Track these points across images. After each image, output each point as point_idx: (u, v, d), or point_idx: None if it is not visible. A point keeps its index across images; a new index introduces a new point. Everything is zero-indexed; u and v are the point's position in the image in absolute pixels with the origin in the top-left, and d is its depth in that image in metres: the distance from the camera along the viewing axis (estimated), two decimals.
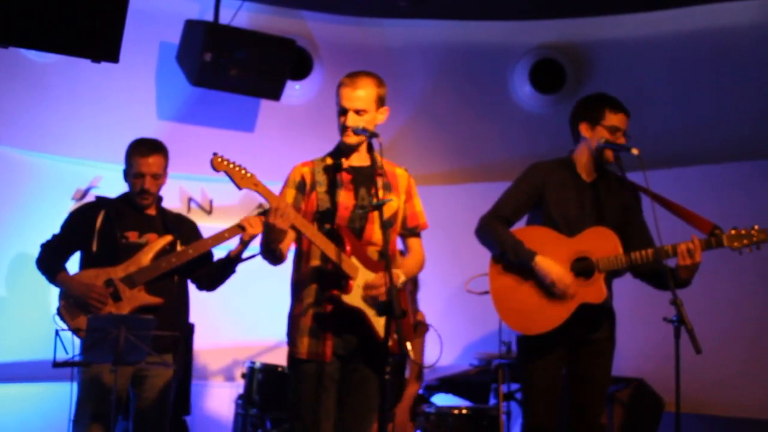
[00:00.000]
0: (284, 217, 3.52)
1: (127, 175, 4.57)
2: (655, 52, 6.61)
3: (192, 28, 6.04)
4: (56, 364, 4.17)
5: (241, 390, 5.71)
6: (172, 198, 6.42)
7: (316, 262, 3.70)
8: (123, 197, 4.63)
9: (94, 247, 4.47)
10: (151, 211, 4.61)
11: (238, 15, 6.16)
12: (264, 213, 4.56)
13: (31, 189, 5.97)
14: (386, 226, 3.71)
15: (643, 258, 4.18)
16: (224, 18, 6.13)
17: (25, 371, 5.74)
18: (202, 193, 6.51)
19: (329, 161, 3.79)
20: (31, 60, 5.85)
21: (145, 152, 4.52)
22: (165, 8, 6.14)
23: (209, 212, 6.44)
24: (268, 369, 5.56)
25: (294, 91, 6.58)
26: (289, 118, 6.53)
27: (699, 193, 5.83)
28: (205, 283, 4.67)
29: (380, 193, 3.72)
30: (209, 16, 6.11)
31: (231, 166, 3.56)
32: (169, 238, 4.52)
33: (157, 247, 4.47)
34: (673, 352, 4.06)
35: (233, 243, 4.57)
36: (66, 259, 4.56)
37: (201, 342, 5.90)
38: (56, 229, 4.61)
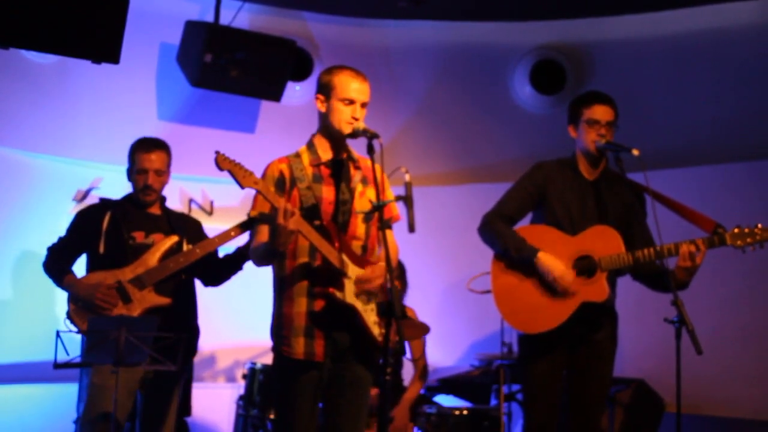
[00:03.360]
0: (293, 218, 3.48)
1: (131, 173, 4.59)
2: (655, 52, 6.61)
3: (192, 29, 6.03)
4: (57, 365, 4.17)
5: (242, 391, 5.71)
6: (172, 199, 6.38)
7: (303, 258, 3.67)
8: (127, 198, 4.65)
9: (101, 249, 4.47)
10: (156, 210, 4.62)
11: (238, 16, 6.16)
12: (244, 226, 4.55)
13: (31, 190, 5.96)
14: (367, 219, 3.74)
15: (645, 257, 4.17)
16: (225, 19, 6.12)
17: (26, 372, 5.74)
18: (202, 194, 6.51)
19: (306, 156, 3.75)
20: (32, 61, 5.85)
21: (147, 149, 4.55)
22: (165, 9, 6.14)
23: (210, 213, 6.44)
24: (269, 370, 5.55)
25: (294, 92, 6.57)
26: (290, 119, 6.52)
27: (698, 194, 5.82)
28: (210, 280, 4.70)
29: (358, 187, 3.75)
30: (210, 17, 6.11)
31: (234, 164, 3.56)
32: (175, 238, 4.54)
33: (163, 248, 4.49)
34: (674, 353, 4.06)
35: (240, 240, 4.57)
36: (72, 261, 4.56)
37: (202, 343, 5.86)
38: (59, 231, 4.60)
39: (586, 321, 4.24)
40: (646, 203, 4.38)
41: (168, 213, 4.68)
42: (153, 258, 4.45)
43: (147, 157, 4.53)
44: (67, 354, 4.16)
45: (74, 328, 4.32)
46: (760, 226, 4.21)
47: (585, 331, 4.28)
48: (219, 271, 4.67)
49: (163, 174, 4.59)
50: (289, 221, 3.47)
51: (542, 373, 4.29)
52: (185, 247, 4.54)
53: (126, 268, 4.42)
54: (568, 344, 4.28)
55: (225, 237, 4.51)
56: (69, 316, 4.38)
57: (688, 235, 4.20)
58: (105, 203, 4.65)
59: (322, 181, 3.73)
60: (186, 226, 4.67)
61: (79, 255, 4.58)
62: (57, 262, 4.52)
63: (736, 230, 4.21)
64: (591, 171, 4.38)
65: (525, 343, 4.37)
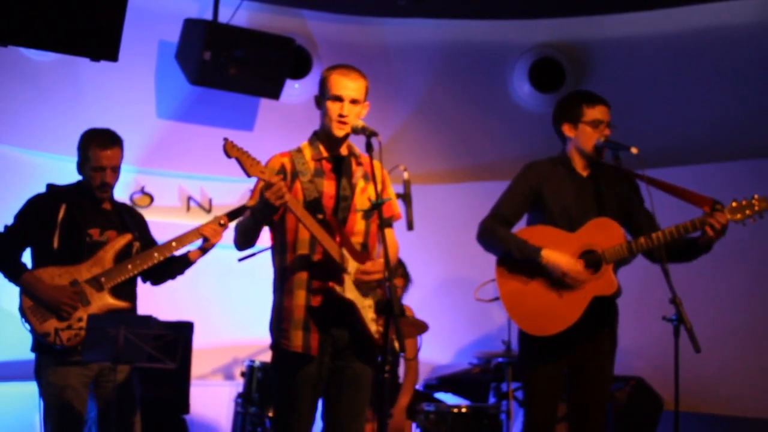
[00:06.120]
0: (278, 194, 3.45)
1: (83, 167, 4.37)
2: (653, 50, 6.62)
3: (191, 26, 6.04)
4: (54, 362, 4.17)
5: (240, 389, 5.71)
6: (171, 197, 6.43)
7: (304, 251, 3.66)
8: (77, 188, 4.41)
9: (56, 243, 4.25)
10: (107, 205, 4.43)
11: (237, 14, 6.16)
12: (233, 214, 4.50)
13: (29, 188, 5.94)
14: (367, 217, 3.73)
15: (653, 242, 4.13)
16: (223, 17, 6.13)
17: (20, 370, 5.73)
18: (201, 191, 6.51)
19: (308, 151, 3.76)
20: (31, 59, 5.85)
21: (104, 144, 4.34)
22: (164, 7, 6.14)
23: (208, 211, 6.44)
24: (268, 367, 5.55)
25: (293, 89, 6.58)
26: (289, 117, 6.52)
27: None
28: (153, 278, 4.54)
29: (360, 183, 3.75)
30: (208, 15, 6.11)
31: (242, 152, 3.53)
32: (129, 236, 4.38)
33: (117, 246, 4.32)
34: (673, 351, 4.06)
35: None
36: (22, 253, 4.32)
37: (200, 341, 5.89)
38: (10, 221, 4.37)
39: (594, 317, 4.22)
40: (641, 189, 4.35)
41: (118, 208, 4.49)
42: (107, 256, 4.28)
43: (104, 153, 4.30)
44: (64, 349, 4.16)
45: (28, 327, 4.18)
46: (756, 196, 4.19)
47: (591, 328, 4.25)
48: (164, 271, 4.50)
49: (118, 169, 4.39)
50: (271, 196, 3.44)
51: (544, 372, 4.26)
52: (135, 244, 4.39)
53: (81, 265, 4.23)
54: (571, 342, 4.25)
55: (182, 241, 4.40)
56: (23, 312, 4.17)
57: (685, 218, 4.17)
58: (54, 192, 4.40)
59: (323, 175, 3.73)
60: (134, 222, 4.49)
61: (28, 246, 4.33)
62: (6, 254, 4.27)
63: (734, 204, 4.18)
64: (585, 167, 4.37)
65: (527, 342, 4.34)
